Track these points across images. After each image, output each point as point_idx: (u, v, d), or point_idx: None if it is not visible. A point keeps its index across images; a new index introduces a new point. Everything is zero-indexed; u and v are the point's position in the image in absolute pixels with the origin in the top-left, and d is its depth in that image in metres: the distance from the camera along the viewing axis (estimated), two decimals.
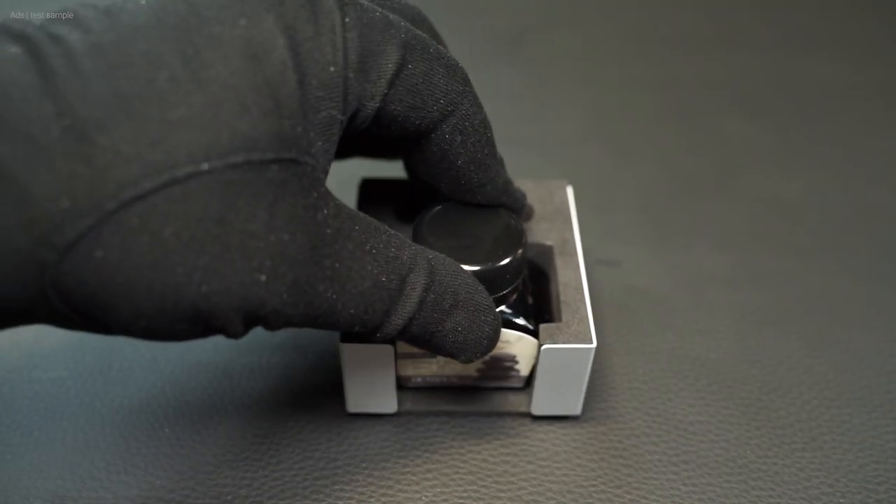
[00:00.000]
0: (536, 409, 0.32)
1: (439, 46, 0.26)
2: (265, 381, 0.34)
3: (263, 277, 0.21)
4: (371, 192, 0.35)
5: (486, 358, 0.30)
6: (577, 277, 0.31)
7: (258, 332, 0.35)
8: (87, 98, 0.19)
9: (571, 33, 0.58)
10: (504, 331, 0.29)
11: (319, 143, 0.23)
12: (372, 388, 0.31)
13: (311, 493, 0.30)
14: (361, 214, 0.24)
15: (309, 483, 0.30)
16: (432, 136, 0.26)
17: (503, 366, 0.31)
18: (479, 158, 0.27)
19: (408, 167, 0.30)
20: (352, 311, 0.23)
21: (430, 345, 0.26)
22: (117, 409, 0.32)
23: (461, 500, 0.30)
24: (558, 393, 0.31)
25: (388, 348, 0.29)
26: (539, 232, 0.33)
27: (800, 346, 0.36)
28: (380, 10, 0.24)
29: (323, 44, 0.22)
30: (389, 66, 0.24)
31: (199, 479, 0.30)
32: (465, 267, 0.27)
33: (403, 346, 0.30)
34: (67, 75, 0.19)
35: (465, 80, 0.26)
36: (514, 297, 0.30)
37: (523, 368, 0.31)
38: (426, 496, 0.30)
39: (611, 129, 0.49)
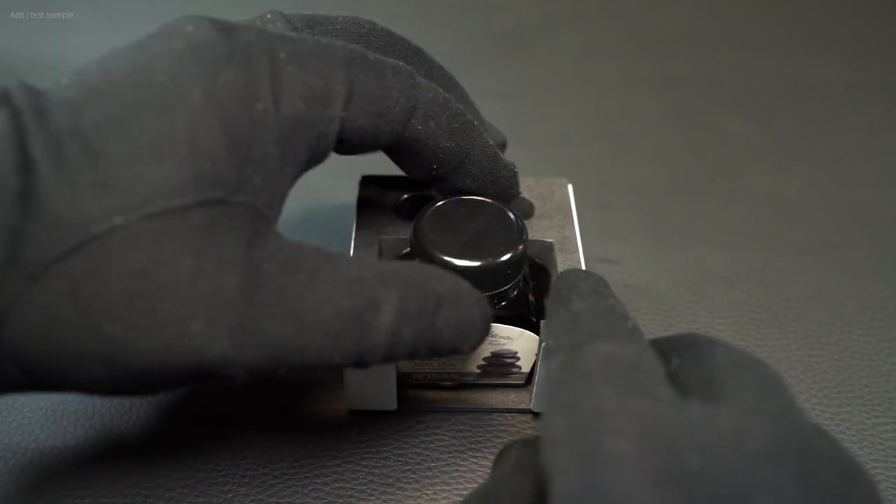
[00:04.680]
0: (537, 406, 0.32)
1: (376, 55, 0.26)
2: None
3: (199, 326, 0.21)
4: (371, 189, 0.35)
5: (488, 354, 0.30)
6: None
7: None
8: None
9: (571, 32, 0.58)
10: (505, 327, 0.29)
11: (258, 180, 0.23)
12: (373, 386, 0.31)
13: (312, 492, 0.30)
14: (311, 245, 0.24)
15: (309, 481, 0.30)
16: (406, 134, 0.27)
17: (504, 362, 0.31)
18: (458, 128, 0.28)
19: (397, 162, 0.30)
20: (319, 345, 0.23)
21: (430, 349, 0.26)
22: (118, 410, 0.32)
23: (462, 498, 0.30)
24: None
25: None
26: (539, 229, 0.33)
27: (799, 344, 0.36)
28: (311, 37, 0.25)
29: (250, 83, 0.22)
30: (339, 87, 0.24)
31: (199, 479, 0.30)
32: (466, 262, 0.28)
33: None
34: None
35: (411, 73, 0.27)
36: (515, 293, 0.30)
37: (524, 364, 0.31)
38: (427, 493, 0.30)
39: (611, 127, 0.49)
